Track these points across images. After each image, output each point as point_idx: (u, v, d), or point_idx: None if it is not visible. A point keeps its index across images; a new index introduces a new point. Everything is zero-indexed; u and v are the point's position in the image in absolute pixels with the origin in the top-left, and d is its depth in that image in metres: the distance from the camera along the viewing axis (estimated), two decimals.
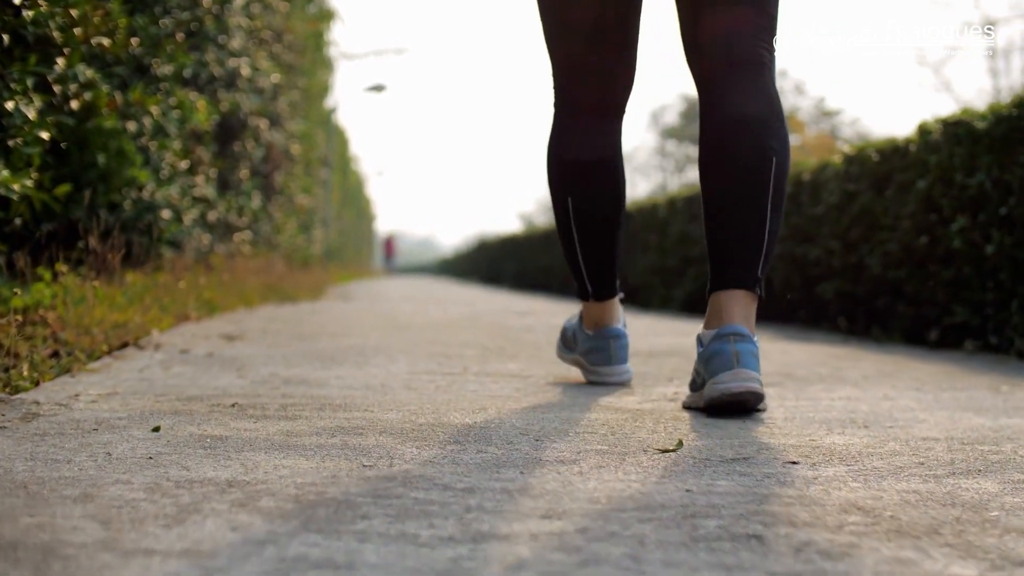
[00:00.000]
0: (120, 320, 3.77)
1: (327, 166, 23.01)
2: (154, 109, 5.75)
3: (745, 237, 2.27)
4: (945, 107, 51.41)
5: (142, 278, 5.22)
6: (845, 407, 2.40)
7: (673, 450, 1.77)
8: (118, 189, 5.69)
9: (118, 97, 5.38)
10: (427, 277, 43.02)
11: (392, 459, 1.66)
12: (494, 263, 24.13)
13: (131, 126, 5.87)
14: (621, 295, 2.79)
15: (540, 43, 2.60)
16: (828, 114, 47.12)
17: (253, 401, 2.31)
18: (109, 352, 3.30)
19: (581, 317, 2.83)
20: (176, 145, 6.85)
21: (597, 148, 2.57)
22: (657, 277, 8.97)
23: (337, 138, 28.83)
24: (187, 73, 7.74)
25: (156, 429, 1.90)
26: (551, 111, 2.65)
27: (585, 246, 2.66)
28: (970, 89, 73.60)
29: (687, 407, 2.33)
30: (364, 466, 1.60)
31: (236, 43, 9.32)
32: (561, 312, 7.86)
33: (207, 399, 2.33)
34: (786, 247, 6.10)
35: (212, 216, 8.73)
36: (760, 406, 2.26)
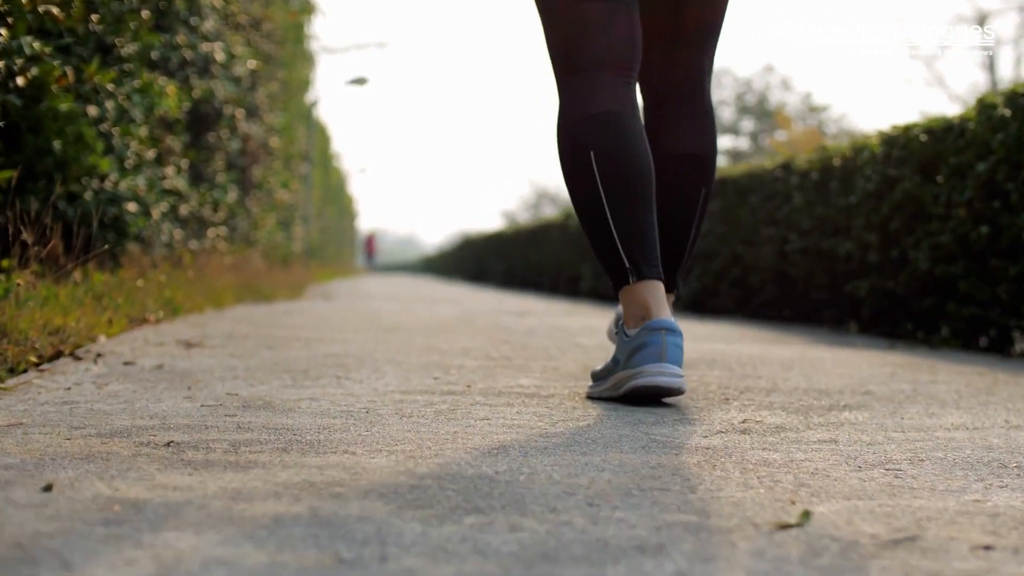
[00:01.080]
0: (60, 324, 3.20)
1: (308, 161, 22.41)
2: (111, 86, 5.16)
3: (670, 251, 2.47)
4: (937, 102, 51.09)
5: (102, 276, 4.65)
6: (972, 441, 1.84)
7: (797, 524, 1.21)
8: (77, 179, 5.14)
9: (70, 74, 4.79)
10: (409, 275, 42.37)
11: (385, 545, 1.10)
12: (479, 261, 23.54)
13: (92, 111, 5.31)
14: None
15: (527, 33, 2.41)
16: (815, 110, 46.70)
17: (197, 437, 1.74)
18: (38, 364, 2.73)
19: (620, 325, 2.32)
20: (142, 132, 6.28)
21: (615, 100, 2.32)
22: None
23: (318, 134, 28.26)
24: (155, 55, 7.16)
25: (48, 488, 1.34)
26: (557, 95, 2.42)
27: (617, 209, 2.27)
28: (960, 84, 72.64)
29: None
30: (342, 561, 1.04)
31: (209, 25, 8.73)
32: (560, 311, 7.30)
33: (137, 434, 1.76)
34: (811, 240, 5.55)
35: (184, 210, 8.14)
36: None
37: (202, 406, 2.12)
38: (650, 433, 1.87)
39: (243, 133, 11.23)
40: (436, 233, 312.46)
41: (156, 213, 6.59)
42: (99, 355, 2.99)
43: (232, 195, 10.40)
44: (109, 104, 5.56)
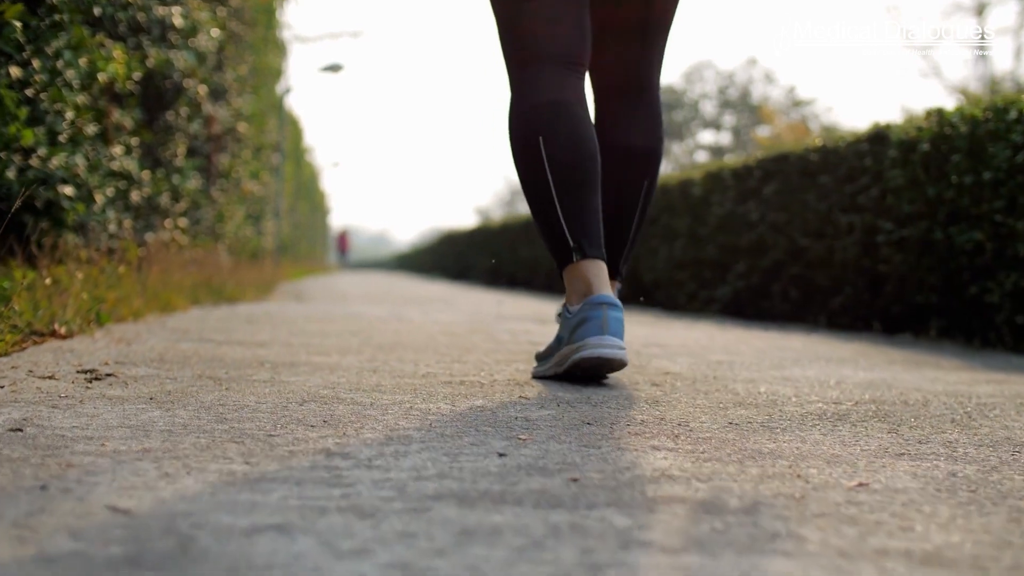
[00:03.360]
0: None
1: (279, 153, 21.20)
2: (17, 23, 3.98)
3: (614, 239, 2.55)
4: (926, 96, 50.43)
5: (22, 272, 3.50)
6: None
7: None
8: None
9: None
10: (384, 273, 41.03)
11: None
12: (462, 257, 22.33)
13: (14, 71, 4.19)
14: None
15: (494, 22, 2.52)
16: (799, 104, 45.91)
17: None
18: None
19: (564, 306, 2.41)
20: (79, 100, 5.11)
21: (564, 89, 2.44)
22: (687, 272, 7.22)
23: (291, 126, 27.10)
24: (98, 11, 5.96)
25: None
26: (509, 88, 2.52)
27: (563, 193, 2.39)
28: (954, 76, 71.20)
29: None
30: None
31: None
32: None
33: None
34: (916, 229, 4.40)
35: (136, 196, 6.93)
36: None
37: (36, 558, 0.94)
38: None
39: (207, 114, 10.03)
40: (409, 230, 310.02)
41: (100, 198, 5.43)
42: None
43: (194, 182, 9.19)
44: (36, 63, 4.43)
